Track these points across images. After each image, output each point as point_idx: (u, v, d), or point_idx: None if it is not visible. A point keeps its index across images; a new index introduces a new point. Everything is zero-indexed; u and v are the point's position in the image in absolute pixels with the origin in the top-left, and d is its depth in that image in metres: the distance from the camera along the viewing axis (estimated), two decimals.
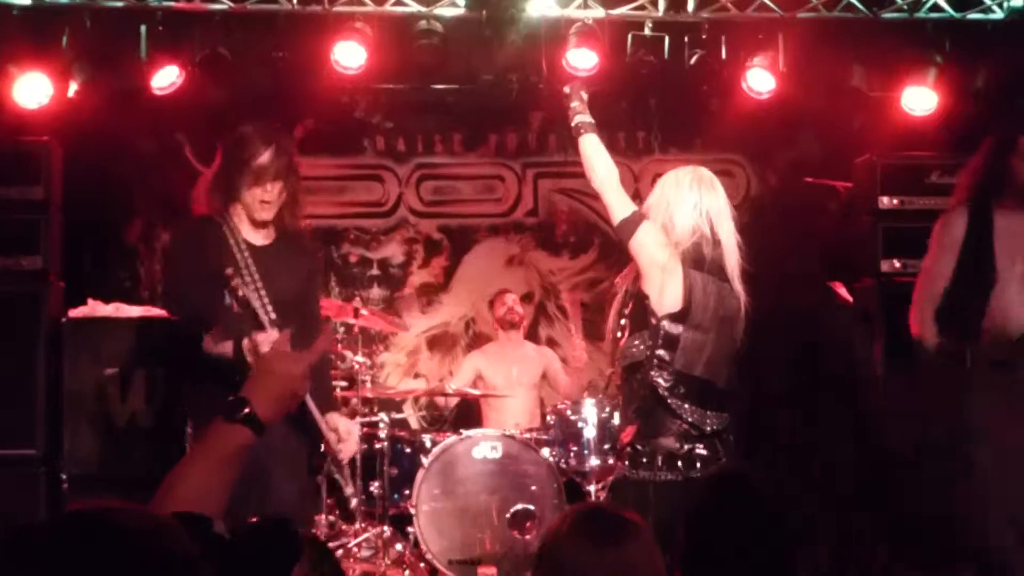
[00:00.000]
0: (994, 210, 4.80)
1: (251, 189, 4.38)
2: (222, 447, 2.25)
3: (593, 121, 4.72)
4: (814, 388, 7.10)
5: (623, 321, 4.49)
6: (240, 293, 4.11)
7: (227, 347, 4.21)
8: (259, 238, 4.50)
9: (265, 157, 4.34)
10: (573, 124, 4.73)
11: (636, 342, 4.42)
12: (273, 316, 4.25)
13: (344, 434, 4.47)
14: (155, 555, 1.48)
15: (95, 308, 6.30)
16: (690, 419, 4.36)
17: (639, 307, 4.44)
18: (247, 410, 2.27)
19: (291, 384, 2.38)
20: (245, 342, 4.14)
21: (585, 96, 4.84)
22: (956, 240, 4.82)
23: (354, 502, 6.05)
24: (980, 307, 4.74)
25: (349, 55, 6.77)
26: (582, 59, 6.98)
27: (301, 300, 4.51)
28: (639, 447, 4.38)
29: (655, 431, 4.38)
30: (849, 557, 5.60)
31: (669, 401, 4.36)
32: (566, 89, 4.89)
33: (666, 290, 4.38)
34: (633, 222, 4.42)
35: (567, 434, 6.33)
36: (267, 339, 4.04)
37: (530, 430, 6.96)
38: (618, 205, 4.49)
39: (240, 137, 4.44)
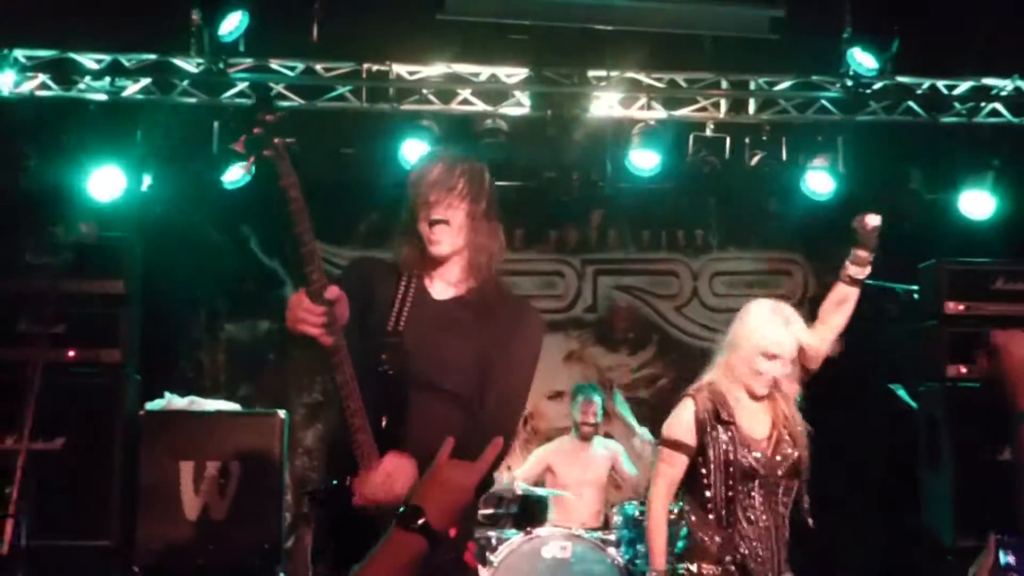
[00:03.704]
0: None
1: (423, 216, 3.51)
2: (401, 554, 2.22)
3: None
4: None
5: None
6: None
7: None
8: (440, 290, 3.61)
9: (436, 172, 3.51)
10: (863, 276, 4.40)
11: None
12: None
13: None
14: None
15: (171, 401, 6.40)
16: None
17: None
18: (422, 520, 2.23)
19: (463, 496, 2.32)
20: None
21: None
22: None
23: None
24: None
25: (416, 152, 6.88)
26: (644, 159, 7.14)
27: (467, 373, 3.52)
28: None
29: None
30: None
31: None
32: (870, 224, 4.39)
33: None
34: None
35: (636, 534, 6.31)
36: None
37: (594, 529, 6.88)
38: None
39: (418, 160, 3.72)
